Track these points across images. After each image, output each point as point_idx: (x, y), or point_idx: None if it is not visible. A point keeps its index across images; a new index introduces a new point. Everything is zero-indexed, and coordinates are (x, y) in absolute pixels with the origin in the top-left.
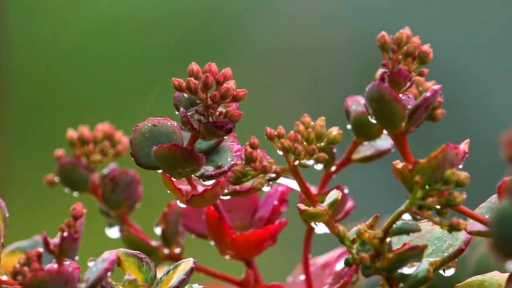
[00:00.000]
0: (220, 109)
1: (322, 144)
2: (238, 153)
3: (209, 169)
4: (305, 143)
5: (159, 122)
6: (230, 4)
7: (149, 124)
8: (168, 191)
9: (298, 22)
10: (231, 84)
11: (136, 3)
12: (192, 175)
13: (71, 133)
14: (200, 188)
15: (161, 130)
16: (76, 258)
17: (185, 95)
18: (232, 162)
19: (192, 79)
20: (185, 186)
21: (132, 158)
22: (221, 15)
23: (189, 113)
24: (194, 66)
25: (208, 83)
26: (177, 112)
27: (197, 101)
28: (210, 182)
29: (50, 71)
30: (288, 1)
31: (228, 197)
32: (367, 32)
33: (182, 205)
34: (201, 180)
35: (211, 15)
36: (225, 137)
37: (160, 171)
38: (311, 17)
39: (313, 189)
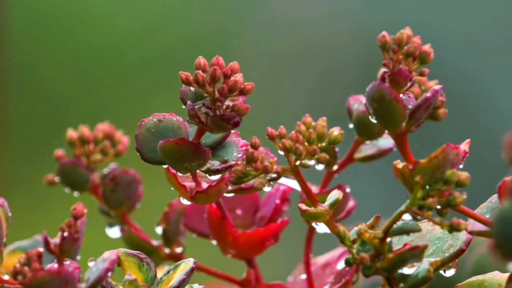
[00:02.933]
0: (227, 102)
1: (323, 144)
2: (244, 147)
3: (215, 163)
4: (306, 144)
5: (164, 117)
6: (233, 4)
7: (154, 119)
8: (172, 189)
9: (300, 23)
10: (238, 77)
11: (136, 8)
12: (198, 170)
13: (71, 133)
14: (205, 185)
15: (167, 125)
16: (78, 258)
17: (192, 88)
18: (238, 157)
19: (200, 72)
20: (189, 183)
21: (138, 153)
22: (224, 16)
23: (196, 107)
24: (201, 59)
25: (215, 76)
26: (183, 106)
27: (204, 95)
28: (216, 177)
29: (50, 71)
30: (291, 2)
31: (231, 194)
32: (369, 32)
33: (186, 202)
34: (207, 174)
35: (214, 13)
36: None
37: (165, 166)
38: (313, 18)
39: (315, 189)
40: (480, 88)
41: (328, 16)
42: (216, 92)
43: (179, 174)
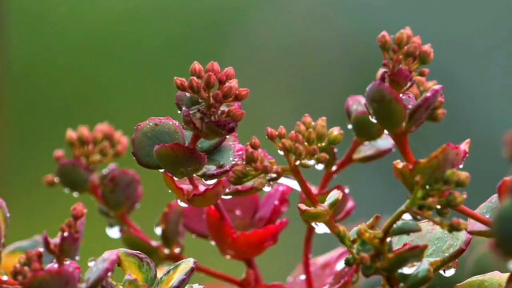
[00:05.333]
0: (222, 108)
1: (323, 144)
2: (240, 152)
3: (211, 168)
4: (306, 143)
5: (160, 121)
6: (223, 4)
7: (150, 123)
8: (169, 191)
9: (292, 22)
10: (233, 83)
11: (133, 3)
12: (194, 175)
13: (71, 134)
14: (202, 188)
15: (163, 129)
16: (77, 258)
17: (187, 94)
18: (234, 161)
19: (195, 78)
20: (186, 186)
21: (134, 157)
22: (215, 15)
23: (191, 112)
24: (196, 65)
25: (210, 82)
26: (179, 112)
27: (199, 100)
28: (212, 182)
29: (50, 71)
30: (282, 1)
31: (229, 197)
32: (361, 31)
33: (184, 205)
34: (203, 179)
35: (204, 15)
36: (227, 137)
37: (161, 170)
38: (305, 16)
39: (314, 189)
40: (473, 89)
41: (320, 15)
42: (211, 98)
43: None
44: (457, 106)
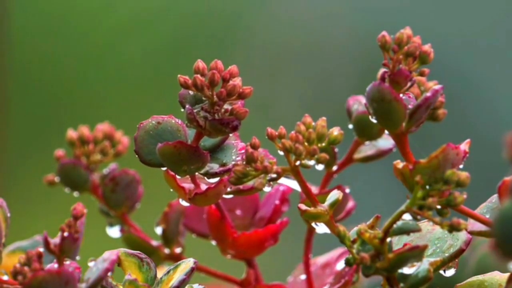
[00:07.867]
0: (225, 106)
1: (323, 144)
2: (243, 150)
3: (214, 166)
4: (306, 144)
5: (163, 119)
6: (231, 3)
7: (153, 122)
8: (171, 190)
9: (298, 23)
10: (237, 81)
11: (137, 6)
12: (197, 173)
13: (71, 133)
14: (203, 187)
15: (166, 127)
16: (77, 258)
17: (191, 92)
18: (237, 160)
19: (199, 76)
20: (188, 184)
21: (136, 156)
22: (222, 14)
23: (194, 110)
24: (200, 63)
25: (214, 80)
26: (182, 110)
27: (203, 98)
28: (215, 180)
29: (50, 72)
30: (289, 1)
31: (230, 196)
32: (367, 33)
33: (185, 204)
34: (205, 177)
35: (212, 13)
36: (230, 135)
37: (164, 168)
38: (312, 18)
39: (314, 189)
40: (476, 89)
41: (327, 17)
42: (215, 96)
43: (178, 176)
44: (458, 106)
